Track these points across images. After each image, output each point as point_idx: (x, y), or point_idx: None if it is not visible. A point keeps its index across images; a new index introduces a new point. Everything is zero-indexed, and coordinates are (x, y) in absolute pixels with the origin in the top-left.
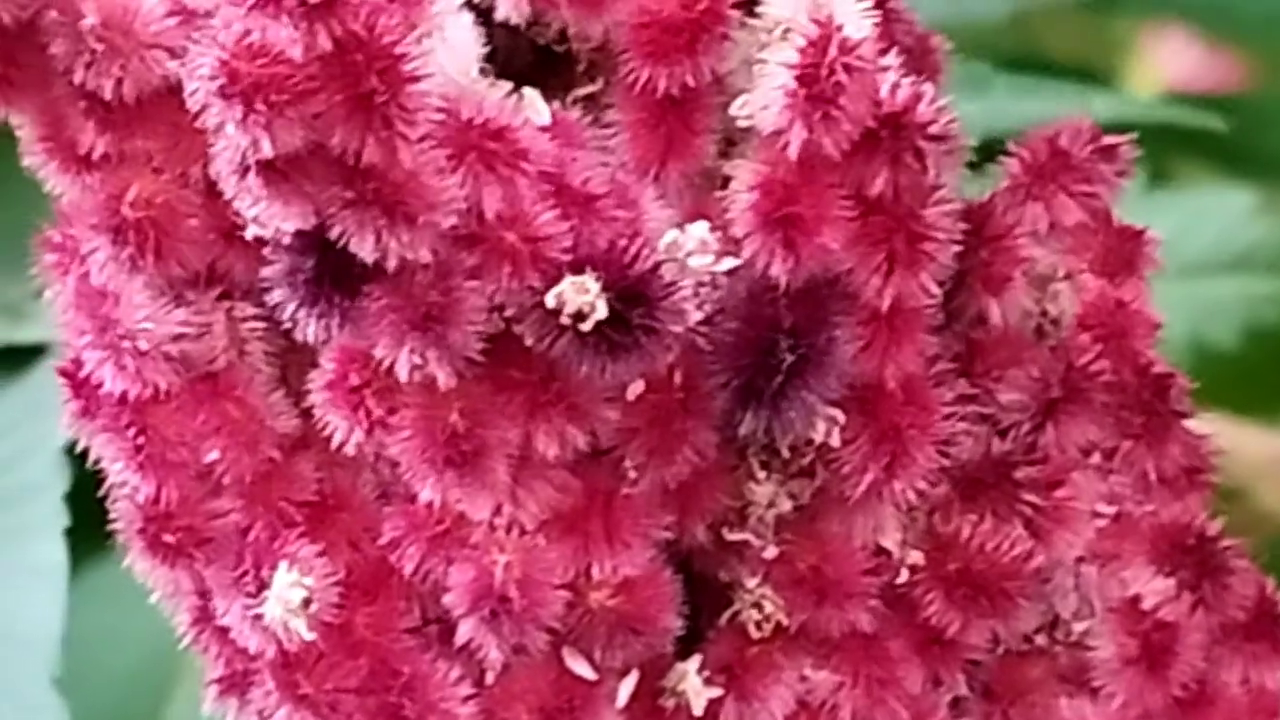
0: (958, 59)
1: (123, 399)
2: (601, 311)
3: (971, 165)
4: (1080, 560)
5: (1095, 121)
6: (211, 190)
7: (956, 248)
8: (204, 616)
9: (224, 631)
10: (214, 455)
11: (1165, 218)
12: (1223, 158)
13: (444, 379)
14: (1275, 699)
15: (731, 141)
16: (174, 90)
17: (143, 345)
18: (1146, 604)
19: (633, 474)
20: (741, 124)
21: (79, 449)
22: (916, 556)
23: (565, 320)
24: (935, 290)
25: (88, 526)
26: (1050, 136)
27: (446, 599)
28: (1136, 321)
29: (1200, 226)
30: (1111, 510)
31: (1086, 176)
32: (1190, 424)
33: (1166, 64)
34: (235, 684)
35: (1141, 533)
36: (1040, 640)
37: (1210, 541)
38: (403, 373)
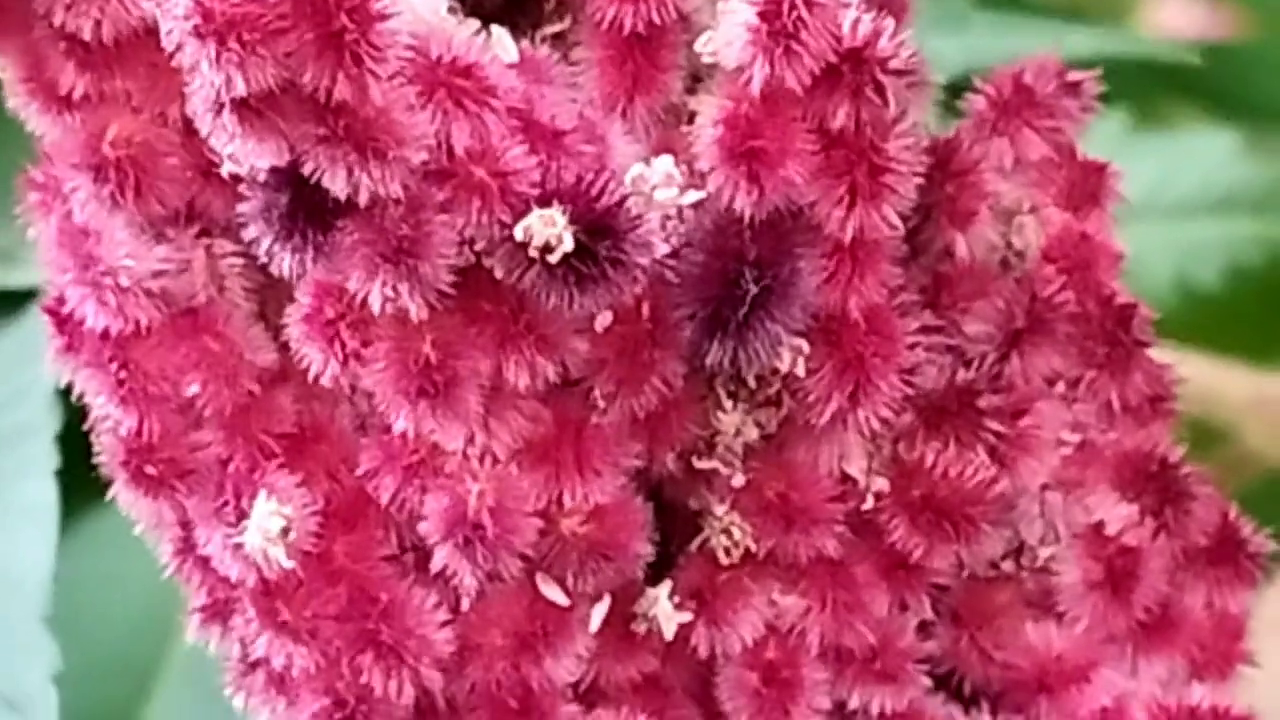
0: None
1: (105, 335)
2: (568, 244)
3: (949, 102)
4: (1045, 487)
5: (1074, 58)
6: (189, 129)
7: (920, 181)
8: (186, 547)
9: (206, 561)
10: (194, 389)
11: (1150, 159)
12: (1211, 101)
13: (416, 311)
14: (1239, 622)
15: (698, 78)
16: (151, 31)
17: (124, 282)
18: (1110, 529)
19: (602, 404)
20: (706, 60)
21: (75, 394)
22: (882, 483)
23: (533, 253)
24: (897, 222)
25: (88, 472)
26: (1016, 73)
27: (422, 527)
28: (1100, 253)
29: (1185, 168)
30: (1076, 438)
31: (1051, 112)
32: (1153, 353)
33: (1164, 15)
34: (217, 612)
35: (1105, 460)
36: (1007, 566)
37: (1173, 468)
38: (375, 305)
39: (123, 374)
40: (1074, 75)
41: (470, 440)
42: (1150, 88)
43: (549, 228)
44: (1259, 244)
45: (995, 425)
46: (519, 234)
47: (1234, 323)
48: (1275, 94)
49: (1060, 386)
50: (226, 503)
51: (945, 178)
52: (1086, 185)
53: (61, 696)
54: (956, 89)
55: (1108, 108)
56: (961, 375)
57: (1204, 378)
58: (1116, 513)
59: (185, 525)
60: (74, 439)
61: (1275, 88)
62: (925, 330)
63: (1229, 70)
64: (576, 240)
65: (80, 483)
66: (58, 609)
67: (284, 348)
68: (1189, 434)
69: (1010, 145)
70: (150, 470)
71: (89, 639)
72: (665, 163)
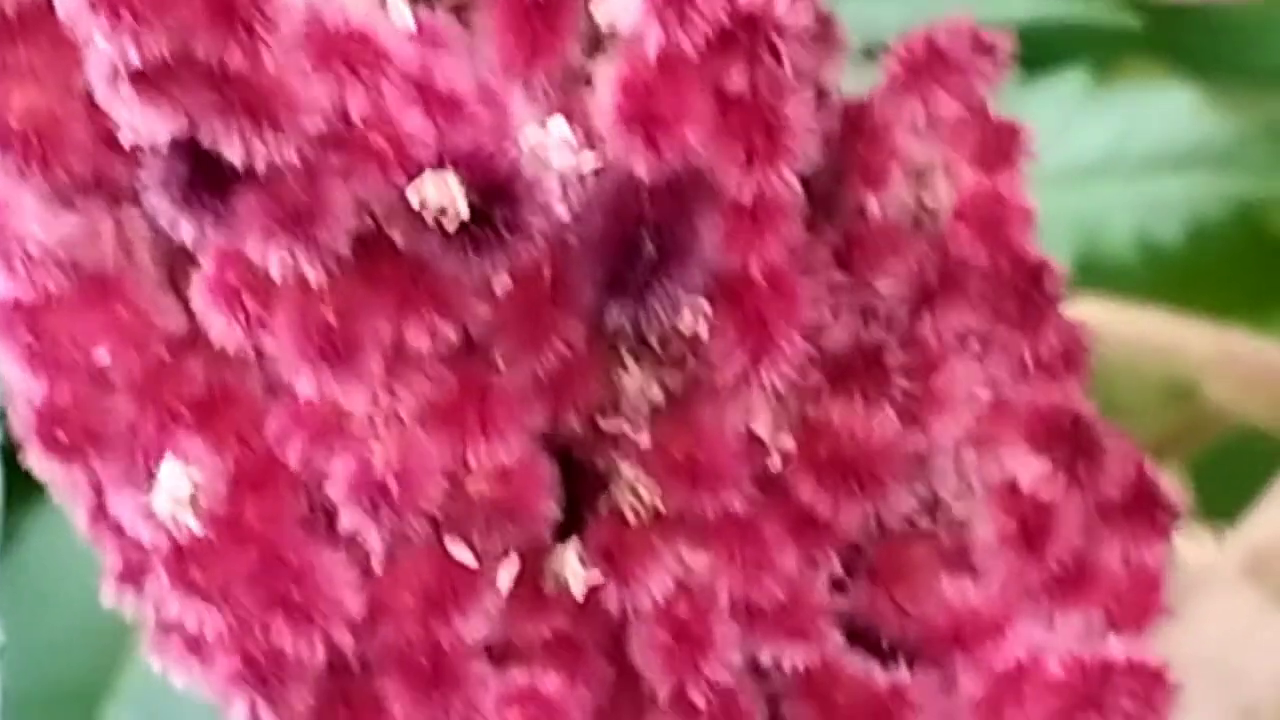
0: None
1: (14, 303)
2: (463, 209)
3: None
4: (959, 444)
5: (1016, 21)
6: (93, 99)
7: (824, 142)
8: (100, 513)
9: (118, 526)
10: (104, 356)
11: (1111, 117)
12: (1173, 58)
13: (315, 277)
14: (1155, 575)
15: (598, 42)
16: (52, 3)
17: (33, 250)
18: (1023, 484)
19: (504, 366)
20: (604, 26)
21: None
22: (788, 442)
23: (429, 218)
24: (795, 183)
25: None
26: (929, 34)
27: (329, 489)
28: (1012, 211)
29: (1146, 125)
30: (989, 395)
31: (963, 71)
32: (1065, 310)
33: None
34: (132, 576)
35: (1018, 415)
36: (922, 523)
37: (1085, 423)
38: (274, 271)
39: (32, 342)
40: (987, 35)
41: (374, 403)
42: (1110, 46)
43: (443, 192)
44: (1221, 200)
45: (903, 383)
46: (413, 199)
47: (1197, 279)
48: (1236, 50)
49: (973, 344)
50: (137, 467)
51: (857, 138)
52: (999, 144)
53: None
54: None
55: (1067, 67)
56: (869, 334)
57: (1166, 334)
58: (1029, 468)
59: (98, 491)
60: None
61: (1236, 44)
62: (833, 289)
63: (1190, 27)
64: (472, 205)
65: (22, 498)
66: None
67: (193, 315)
68: (1155, 393)
69: (923, 105)
70: (62, 437)
71: (36, 662)
72: (560, 127)
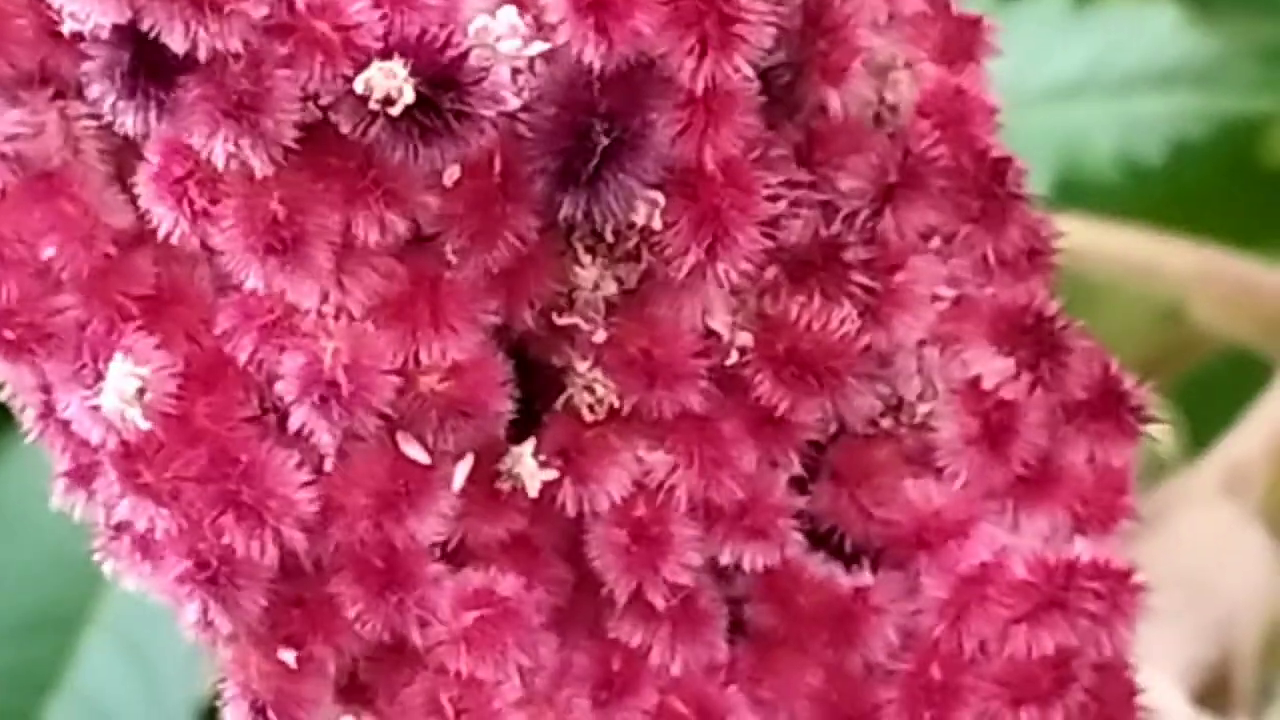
0: None
1: None
2: (409, 96)
3: None
4: (922, 343)
5: None
6: None
7: (780, 36)
8: (48, 412)
9: (67, 425)
10: (51, 252)
11: (1092, 36)
12: None
13: (260, 167)
14: (1122, 477)
15: None
16: None
17: None
18: (987, 384)
19: (455, 260)
20: None
21: None
22: (746, 338)
23: (375, 106)
24: (749, 72)
25: None
26: None
27: (279, 386)
28: (975, 107)
29: (1127, 44)
30: (952, 294)
31: None
32: (1028, 207)
33: None
34: (81, 476)
35: (982, 314)
36: (885, 423)
37: (1049, 321)
38: (219, 161)
39: None
40: None
41: (324, 298)
42: None
43: (389, 80)
44: (1203, 118)
45: (863, 279)
46: (359, 87)
47: (1179, 199)
48: None
49: (935, 242)
50: (85, 366)
51: (818, 33)
52: (961, 40)
53: None
54: None
55: None
56: (827, 230)
57: (1149, 253)
58: (993, 367)
59: (47, 390)
60: None
61: None
62: (793, 186)
63: None
64: (419, 93)
65: None
66: None
67: (141, 211)
68: (1141, 315)
69: (884, 0)
70: (8, 335)
71: (14, 590)
72: (509, 14)
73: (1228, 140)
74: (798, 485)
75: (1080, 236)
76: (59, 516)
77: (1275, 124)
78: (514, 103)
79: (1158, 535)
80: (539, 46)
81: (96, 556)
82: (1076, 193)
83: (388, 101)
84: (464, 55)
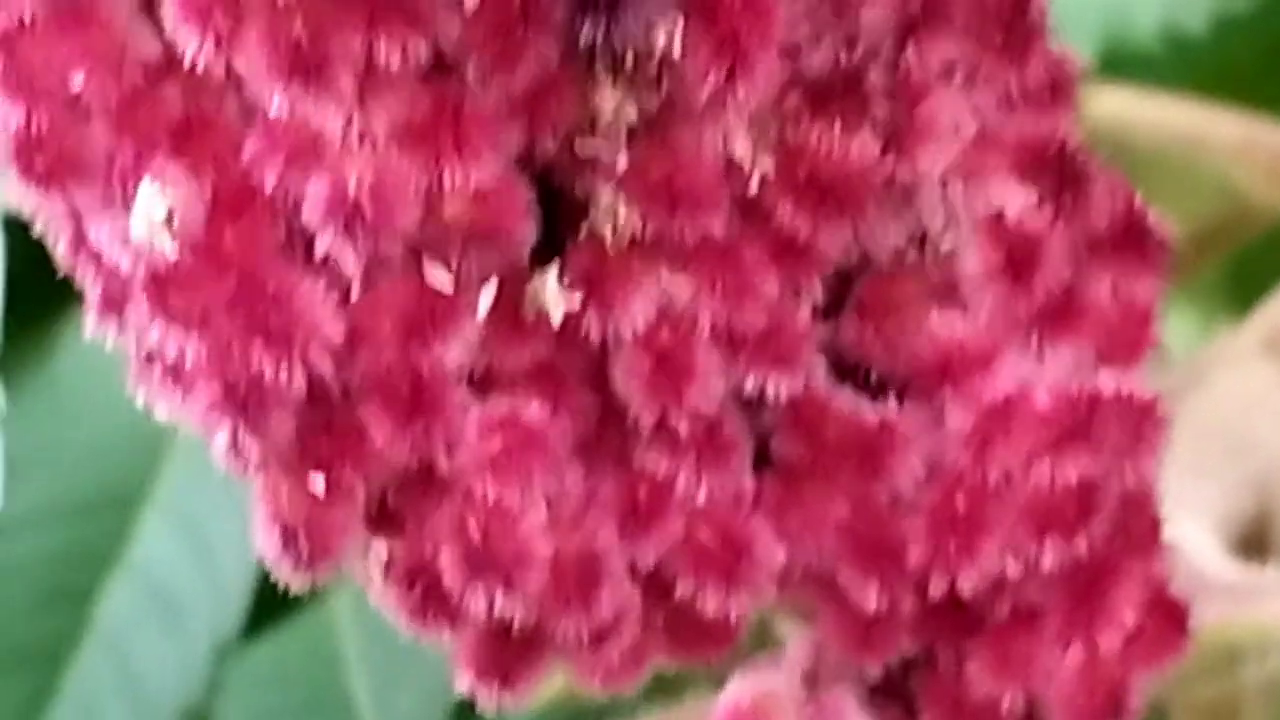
0: None
1: None
2: None
3: None
4: (945, 175)
5: None
6: None
7: None
8: (80, 241)
9: (98, 255)
10: (80, 81)
11: None
12: None
13: None
14: (1146, 309)
15: None
16: None
17: None
18: (1010, 216)
19: (477, 85)
20: None
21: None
22: (767, 165)
23: None
24: None
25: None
26: None
27: (305, 213)
28: None
29: None
30: (974, 126)
31: None
32: (1049, 40)
33: None
34: (112, 305)
35: (1005, 147)
36: (909, 257)
37: (1071, 153)
38: None
39: (9, 68)
40: None
41: (348, 123)
42: None
43: None
44: None
45: (884, 107)
46: None
47: (1223, 70)
48: None
49: (958, 74)
50: (114, 194)
51: None
52: None
53: (42, 533)
54: None
55: None
56: (849, 60)
57: (1193, 123)
58: (1016, 198)
59: (77, 220)
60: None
61: None
62: (815, 17)
63: None
64: None
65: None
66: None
67: (168, 42)
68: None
69: None
70: (39, 164)
71: (74, 470)
72: None
73: (1273, 11)
74: (824, 319)
75: (1125, 108)
76: (117, 397)
77: None
78: None
79: (1198, 392)
80: None
81: (156, 437)
82: (1121, 65)
83: None
84: None
